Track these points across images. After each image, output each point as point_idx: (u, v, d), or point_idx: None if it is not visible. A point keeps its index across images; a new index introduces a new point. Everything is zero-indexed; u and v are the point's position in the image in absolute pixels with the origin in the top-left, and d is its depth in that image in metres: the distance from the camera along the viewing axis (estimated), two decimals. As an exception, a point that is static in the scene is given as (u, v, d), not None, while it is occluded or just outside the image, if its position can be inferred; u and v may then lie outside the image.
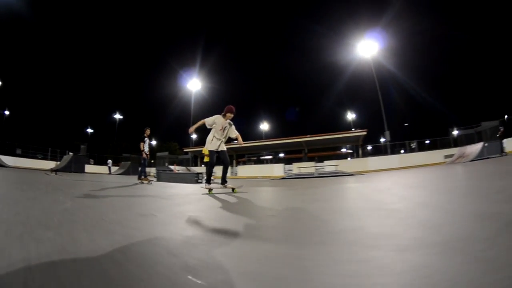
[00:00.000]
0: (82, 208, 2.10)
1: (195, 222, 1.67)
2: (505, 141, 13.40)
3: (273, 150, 21.90)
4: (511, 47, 41.53)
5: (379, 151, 21.17)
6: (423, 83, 60.57)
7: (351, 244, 1.06)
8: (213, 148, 4.38)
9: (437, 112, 67.61)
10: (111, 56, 73.47)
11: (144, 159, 7.64)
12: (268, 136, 35.72)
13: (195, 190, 4.97)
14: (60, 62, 59.46)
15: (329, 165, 16.34)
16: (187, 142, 30.95)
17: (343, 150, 30.95)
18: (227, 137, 4.53)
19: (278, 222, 1.69)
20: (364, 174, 11.90)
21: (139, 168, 7.77)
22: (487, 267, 0.71)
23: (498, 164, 6.39)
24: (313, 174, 13.87)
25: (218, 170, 4.86)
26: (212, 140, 4.41)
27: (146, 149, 7.67)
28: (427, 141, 19.84)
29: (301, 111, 69.56)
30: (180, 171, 17.80)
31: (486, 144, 13.30)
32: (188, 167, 21.62)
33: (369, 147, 25.33)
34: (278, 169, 19.25)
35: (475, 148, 13.82)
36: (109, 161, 24.18)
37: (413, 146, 20.53)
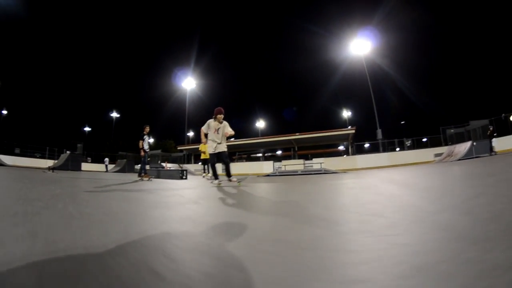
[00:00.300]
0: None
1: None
2: (494, 140, 12.93)
3: (263, 147, 21.88)
4: (504, 46, 39.76)
5: (371, 149, 20.84)
6: (415, 81, 59.18)
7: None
8: (211, 151, 4.79)
9: (429, 110, 65.83)
10: (108, 55, 74.58)
11: (144, 156, 7.67)
12: (263, 133, 35.65)
13: (203, 183, 5.72)
14: (57, 62, 60.62)
15: (316, 163, 16.23)
16: (183, 140, 31.35)
17: (341, 147, 30.55)
18: (224, 136, 4.80)
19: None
20: (348, 172, 11.76)
21: (139, 165, 7.79)
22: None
23: (474, 165, 6.10)
24: (296, 172, 13.82)
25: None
26: (210, 143, 4.82)
27: (146, 146, 7.69)
28: (415, 139, 19.35)
29: (295, 109, 68.93)
30: (172, 168, 18.12)
31: (474, 143, 12.90)
32: (181, 165, 21.92)
33: (366, 145, 25.02)
34: (267, 167, 19.24)
35: (464, 147, 13.43)
36: (106, 159, 24.78)
37: (408, 144, 20.11)
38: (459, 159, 11.99)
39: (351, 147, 18.46)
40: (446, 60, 54.55)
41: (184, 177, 9.47)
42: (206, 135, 5.02)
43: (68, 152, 21.07)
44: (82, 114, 60.98)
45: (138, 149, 7.60)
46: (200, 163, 15.31)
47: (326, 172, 12.66)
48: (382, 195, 2.40)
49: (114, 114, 41.30)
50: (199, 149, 10.91)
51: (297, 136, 18.44)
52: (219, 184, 4.62)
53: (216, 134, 4.74)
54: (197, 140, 32.18)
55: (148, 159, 7.89)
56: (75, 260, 0.75)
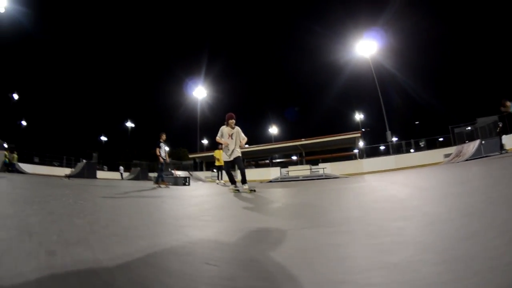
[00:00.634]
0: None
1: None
2: (504, 137, 12.43)
3: (270, 154, 22.17)
4: (508, 45, 38.44)
5: (379, 152, 20.62)
6: (424, 81, 57.85)
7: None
8: (226, 159, 4.86)
9: (438, 110, 63.72)
10: (123, 68, 78.41)
11: (162, 163, 7.72)
12: (276, 139, 36.01)
13: (223, 190, 5.64)
14: (75, 75, 63.52)
15: (321, 168, 16.29)
16: (195, 148, 32.18)
17: (355, 151, 30.15)
18: (238, 142, 4.86)
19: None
20: (349, 177, 11.76)
21: (156, 173, 7.90)
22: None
23: (484, 165, 5.60)
24: (298, 177, 13.96)
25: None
26: (225, 150, 4.85)
27: (163, 154, 7.70)
28: (422, 142, 18.93)
29: (306, 113, 69.38)
30: (181, 176, 18.76)
31: (483, 142, 12.53)
32: (190, 172, 22.53)
33: (382, 147, 24.50)
34: (275, 173, 19.43)
35: (472, 146, 13.07)
36: (121, 167, 25.91)
37: (422, 145, 19.58)
38: (467, 160, 11.68)
39: (358, 151, 18.42)
40: (455, 58, 53.22)
41: (187, 183, 10.05)
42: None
43: (84, 160, 22.31)
44: (98, 124, 63.21)
45: (152, 157, 7.86)
46: (214, 170, 15.78)
47: (327, 177, 12.73)
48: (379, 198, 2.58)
49: (130, 124, 43.21)
50: (214, 155, 10.95)
51: (303, 142, 18.64)
52: (236, 189, 4.67)
53: (230, 140, 4.76)
54: (211, 147, 33.03)
55: (163, 166, 7.97)
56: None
